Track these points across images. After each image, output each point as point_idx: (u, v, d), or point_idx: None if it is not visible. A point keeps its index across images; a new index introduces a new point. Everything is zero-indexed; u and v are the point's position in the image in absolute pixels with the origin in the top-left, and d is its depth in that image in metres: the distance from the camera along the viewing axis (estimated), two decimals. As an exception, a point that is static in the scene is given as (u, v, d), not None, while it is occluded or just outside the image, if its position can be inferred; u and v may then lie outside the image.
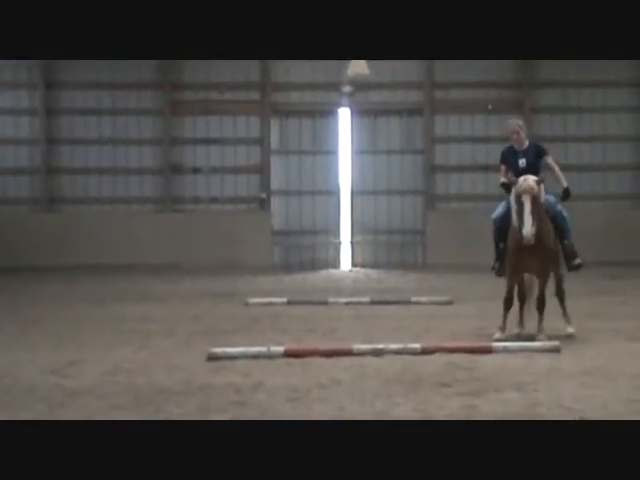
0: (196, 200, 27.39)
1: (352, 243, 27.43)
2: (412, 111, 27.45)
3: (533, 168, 11.79)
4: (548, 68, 26.39)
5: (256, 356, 10.04)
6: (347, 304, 15.93)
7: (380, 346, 10.39)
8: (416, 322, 13.45)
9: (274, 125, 27.41)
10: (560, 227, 11.91)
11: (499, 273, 12.28)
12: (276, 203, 27.37)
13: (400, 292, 18.10)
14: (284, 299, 16.17)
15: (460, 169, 27.38)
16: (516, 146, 12.18)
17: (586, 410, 7.35)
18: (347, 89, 26.92)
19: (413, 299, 16.19)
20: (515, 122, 12.46)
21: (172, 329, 12.80)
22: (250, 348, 10.35)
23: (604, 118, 27.50)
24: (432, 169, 27.33)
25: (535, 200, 11.12)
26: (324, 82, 26.61)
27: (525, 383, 8.59)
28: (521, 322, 12.09)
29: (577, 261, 12.08)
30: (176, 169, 27.33)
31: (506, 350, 10.38)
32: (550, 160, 12.20)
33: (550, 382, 8.65)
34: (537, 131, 27.24)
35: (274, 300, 16.16)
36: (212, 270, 24.63)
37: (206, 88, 27.05)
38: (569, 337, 11.64)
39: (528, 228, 10.93)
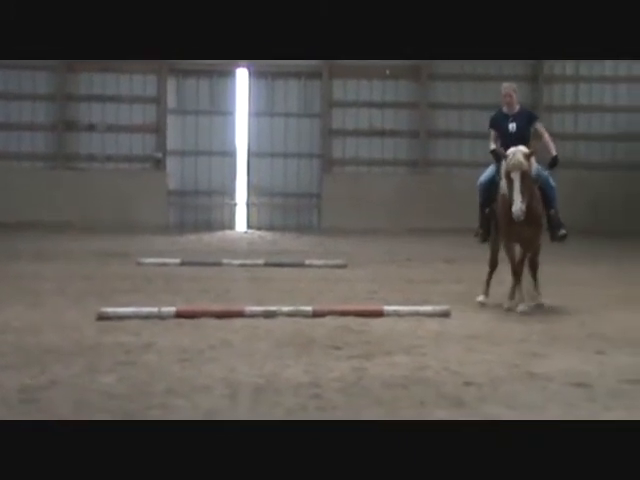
0: (90, 158, 26.98)
1: (248, 205, 27.38)
2: (310, 74, 27.42)
3: (522, 133, 11.64)
4: (446, 35, 26.59)
5: (147, 316, 9.99)
6: (241, 266, 15.91)
7: (272, 308, 10.43)
8: (310, 285, 13.53)
9: (171, 84, 27.11)
10: (547, 196, 11.70)
11: (483, 239, 12.33)
12: (172, 163, 27.12)
13: (295, 255, 18.19)
14: (178, 260, 16.10)
15: (357, 133, 27.50)
16: (507, 110, 12.02)
17: (471, 374, 7.52)
18: (246, 50, 26.77)
19: (307, 262, 16.28)
20: (509, 85, 12.27)
21: (63, 288, 12.65)
22: (141, 308, 10.28)
23: (499, 86, 27.70)
24: (329, 133, 27.39)
25: (525, 176, 10.88)
26: (223, 42, 26.38)
27: (414, 347, 8.73)
28: (514, 294, 11.82)
29: (562, 232, 11.88)
30: (70, 126, 26.86)
31: (397, 314, 10.50)
32: (540, 126, 12.04)
33: (438, 346, 8.81)
34: (433, 98, 27.53)
35: (167, 260, 16.07)
36: (106, 229, 24.37)
37: (102, 44, 26.54)
38: (539, 307, 11.58)
39: (517, 205, 10.71)
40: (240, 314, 10.24)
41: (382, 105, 27.49)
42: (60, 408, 6.30)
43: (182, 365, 7.73)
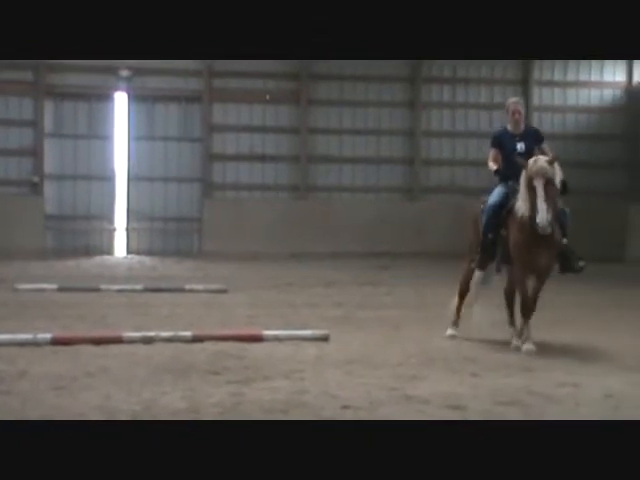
0: (-36, 182, 26.39)
1: (127, 230, 27.11)
2: (190, 98, 27.37)
3: (531, 154, 10.47)
4: (326, 61, 26.80)
5: (22, 344, 9.79)
6: (120, 291, 15.74)
7: (151, 334, 10.34)
8: (189, 310, 13.47)
9: (48, 107, 26.70)
10: (560, 224, 10.47)
11: (481, 266, 11.09)
12: (49, 187, 26.68)
13: (175, 280, 18.08)
14: (55, 285, 15.83)
15: (237, 158, 27.52)
16: (512, 128, 10.98)
17: (349, 398, 7.57)
18: (125, 73, 26.55)
19: (187, 287, 16.20)
20: (517, 101, 11.18)
21: None
22: (16, 335, 10.08)
23: (378, 112, 28.22)
24: (209, 157, 27.34)
25: (549, 184, 9.89)
26: (101, 65, 26.02)
27: (293, 371, 8.75)
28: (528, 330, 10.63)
29: (581, 263, 10.55)
30: (-56, 149, 26.27)
31: (276, 338, 10.52)
32: (546, 148, 10.83)
33: (317, 370, 8.85)
34: (313, 123, 27.73)
35: (44, 286, 15.79)
36: (-20, 255, 23.80)
37: (-23, 67, 25.99)
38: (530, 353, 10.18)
39: (543, 215, 9.69)
40: (118, 340, 10.13)
41: (263, 130, 27.58)
42: None
43: (57, 393, 7.60)
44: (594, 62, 28.79)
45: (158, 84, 26.99)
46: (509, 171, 10.62)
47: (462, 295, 11.49)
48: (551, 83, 29.05)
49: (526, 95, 28.59)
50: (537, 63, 28.55)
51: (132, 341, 10.12)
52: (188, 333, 10.46)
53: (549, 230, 9.83)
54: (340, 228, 26.73)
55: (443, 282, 18.48)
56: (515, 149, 10.69)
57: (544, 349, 10.43)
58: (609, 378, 8.70)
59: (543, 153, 10.60)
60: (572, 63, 28.82)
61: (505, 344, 10.76)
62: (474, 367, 9.18)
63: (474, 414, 7.08)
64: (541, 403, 7.57)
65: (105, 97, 27.07)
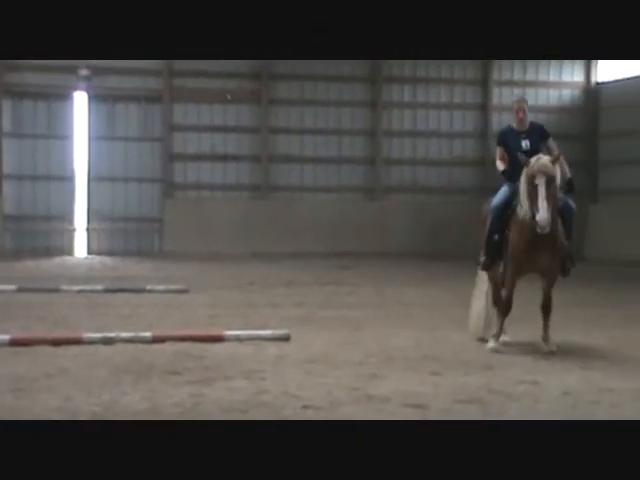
0: None
1: (88, 230, 26.94)
2: (151, 98, 27.24)
3: (536, 151, 10.39)
4: (286, 61, 26.75)
5: (-20, 345, 9.74)
6: (80, 292, 15.64)
7: (111, 334, 10.30)
8: (150, 310, 13.43)
9: (7, 107, 26.45)
10: (566, 223, 10.49)
11: (487, 268, 10.93)
12: (8, 187, 26.46)
13: (136, 280, 17.98)
14: (14, 286, 15.70)
15: (198, 158, 27.44)
16: (517, 126, 10.89)
17: (310, 397, 7.58)
18: (84, 73, 26.36)
19: (148, 287, 16.13)
20: (522, 100, 11.16)
21: None
22: (-25, 337, 10.02)
23: (339, 112, 28.25)
24: (170, 157, 27.23)
25: (551, 182, 9.81)
26: (60, 64, 25.79)
27: (253, 371, 8.76)
28: (501, 328, 10.64)
29: (570, 268, 10.65)
30: None
31: (237, 338, 10.51)
32: (552, 144, 10.78)
33: (277, 370, 8.86)
34: (274, 123, 27.71)
35: (3, 287, 15.65)
36: (-62, 256, 23.60)
37: None
38: (551, 353, 10.11)
39: (544, 214, 9.59)
40: (78, 341, 10.08)
41: (224, 129, 27.51)
42: None
43: (16, 395, 7.55)
44: (553, 62, 28.98)
45: (118, 84, 26.83)
46: (514, 170, 10.46)
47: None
48: (510, 83, 29.20)
49: (486, 95, 28.82)
50: (496, 63, 28.70)
51: (92, 342, 10.08)
52: (149, 334, 10.43)
53: (548, 229, 9.71)
54: (302, 228, 26.74)
55: (405, 282, 18.63)
56: (520, 146, 10.55)
57: (503, 347, 10.49)
58: (567, 376, 8.79)
59: (549, 150, 10.61)
60: (531, 63, 28.99)
61: (464, 343, 10.83)
62: (434, 366, 9.22)
63: (434, 413, 7.11)
64: (501, 401, 7.62)
65: (64, 97, 26.87)
